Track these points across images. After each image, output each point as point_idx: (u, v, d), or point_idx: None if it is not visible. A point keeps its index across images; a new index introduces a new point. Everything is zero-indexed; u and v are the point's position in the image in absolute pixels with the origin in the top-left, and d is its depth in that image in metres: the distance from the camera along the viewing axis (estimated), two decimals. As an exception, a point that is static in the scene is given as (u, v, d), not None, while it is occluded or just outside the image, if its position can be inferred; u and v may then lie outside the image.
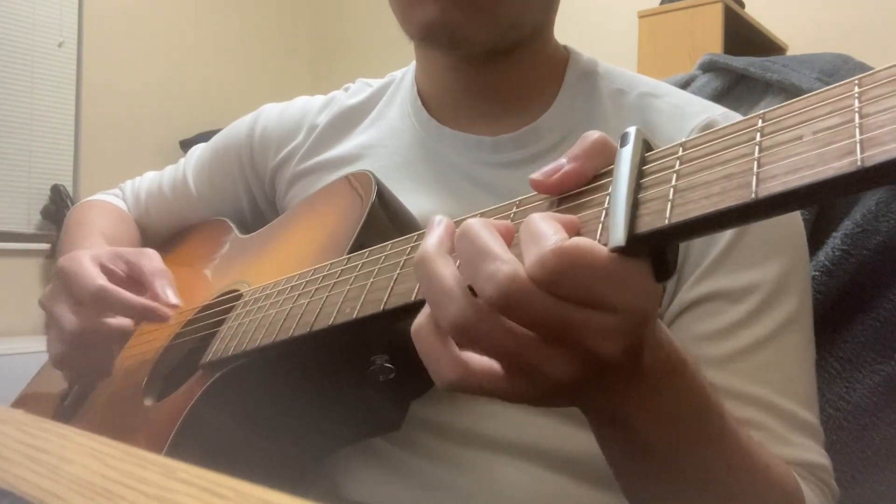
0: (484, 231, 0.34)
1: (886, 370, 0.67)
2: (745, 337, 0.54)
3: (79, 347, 0.63)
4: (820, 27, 2.35)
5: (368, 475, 0.60)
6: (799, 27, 2.38)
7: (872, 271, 0.69)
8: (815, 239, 0.73)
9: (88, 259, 0.64)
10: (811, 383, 0.57)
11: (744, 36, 2.16)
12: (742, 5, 2.21)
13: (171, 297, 0.63)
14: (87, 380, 0.70)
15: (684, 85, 0.90)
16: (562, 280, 0.31)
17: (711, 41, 2.02)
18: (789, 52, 2.35)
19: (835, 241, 0.70)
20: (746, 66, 0.85)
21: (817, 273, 0.70)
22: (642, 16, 2.17)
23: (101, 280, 0.62)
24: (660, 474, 0.41)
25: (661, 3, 2.19)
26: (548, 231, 0.32)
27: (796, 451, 0.53)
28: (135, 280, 0.65)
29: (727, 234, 0.56)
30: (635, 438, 0.39)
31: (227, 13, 3.33)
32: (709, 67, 0.90)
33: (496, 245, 0.33)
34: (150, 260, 0.66)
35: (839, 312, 0.70)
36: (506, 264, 0.32)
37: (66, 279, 0.64)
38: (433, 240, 0.36)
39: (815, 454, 0.54)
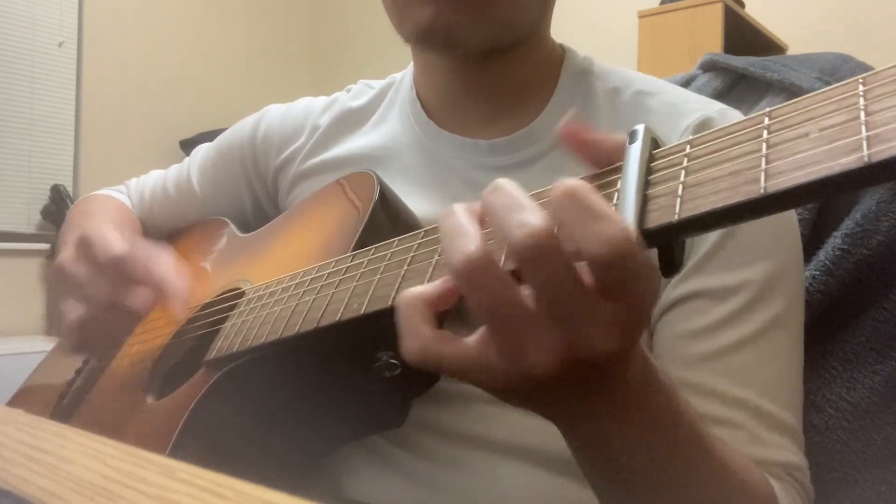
0: (513, 186, 0.33)
1: (886, 370, 0.67)
2: (729, 336, 0.54)
3: (100, 310, 0.61)
4: (820, 27, 2.35)
5: (371, 475, 0.60)
6: (799, 27, 2.38)
7: (873, 271, 0.69)
8: (816, 238, 0.73)
9: (112, 228, 0.62)
10: (794, 385, 0.56)
11: (744, 36, 2.16)
12: (742, 5, 2.21)
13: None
14: (101, 350, 0.68)
15: (684, 84, 0.90)
16: (618, 264, 0.30)
17: (711, 41, 2.02)
18: (789, 52, 2.35)
19: (835, 240, 0.70)
20: (746, 66, 0.85)
21: (817, 273, 0.70)
22: (642, 16, 2.17)
23: (123, 246, 0.60)
24: (635, 492, 0.41)
25: (661, 3, 2.19)
26: (611, 211, 0.31)
27: (774, 451, 0.53)
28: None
29: (716, 233, 0.56)
30: (609, 458, 0.39)
31: (228, 13, 3.33)
32: (709, 67, 0.90)
33: (527, 199, 0.33)
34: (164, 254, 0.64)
35: (839, 312, 0.70)
36: (539, 215, 0.31)
37: (88, 245, 0.61)
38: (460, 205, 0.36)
39: (792, 455, 0.54)
